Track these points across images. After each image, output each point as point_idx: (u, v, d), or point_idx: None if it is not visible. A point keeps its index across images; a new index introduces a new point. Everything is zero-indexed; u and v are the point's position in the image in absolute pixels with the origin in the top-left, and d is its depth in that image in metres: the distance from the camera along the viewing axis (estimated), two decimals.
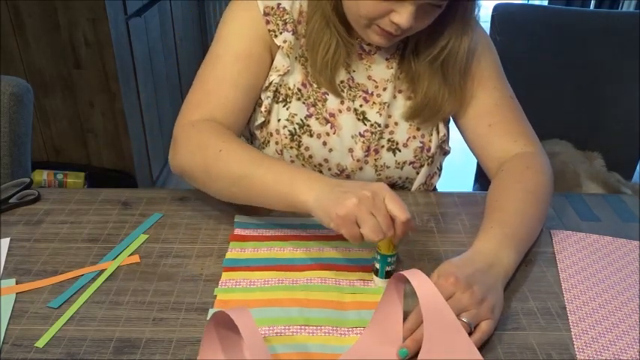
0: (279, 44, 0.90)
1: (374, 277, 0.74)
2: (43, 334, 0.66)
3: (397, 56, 0.94)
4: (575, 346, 0.66)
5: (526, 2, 3.24)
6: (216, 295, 0.72)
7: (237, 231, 0.84)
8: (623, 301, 0.73)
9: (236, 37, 0.90)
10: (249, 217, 0.87)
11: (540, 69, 1.47)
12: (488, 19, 1.46)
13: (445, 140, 0.98)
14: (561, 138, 1.48)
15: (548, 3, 3.27)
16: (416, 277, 0.62)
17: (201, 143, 0.82)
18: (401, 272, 0.63)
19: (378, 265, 0.73)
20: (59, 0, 1.81)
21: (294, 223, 0.86)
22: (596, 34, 1.43)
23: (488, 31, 1.48)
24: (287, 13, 0.90)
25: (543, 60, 1.47)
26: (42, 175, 2.03)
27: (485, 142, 0.94)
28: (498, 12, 1.45)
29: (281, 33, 0.90)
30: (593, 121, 1.49)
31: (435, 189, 1.08)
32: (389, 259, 0.72)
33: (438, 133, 0.96)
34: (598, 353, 0.65)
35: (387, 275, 0.73)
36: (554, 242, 0.84)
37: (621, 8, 3.27)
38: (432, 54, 0.89)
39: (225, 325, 0.59)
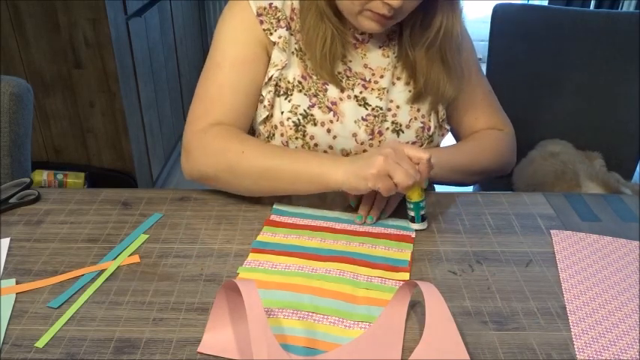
0: (274, 41, 0.93)
1: (411, 223, 0.85)
2: (43, 334, 0.66)
3: (393, 46, 0.97)
4: (575, 346, 0.66)
5: (526, 2, 3.24)
6: (238, 273, 0.75)
7: (273, 217, 0.88)
8: (623, 302, 0.73)
9: (232, 43, 0.94)
10: (288, 206, 0.90)
11: (540, 69, 1.48)
12: (489, 19, 1.46)
13: (444, 120, 1.01)
14: (561, 138, 1.48)
15: (548, 3, 3.27)
16: (428, 289, 0.65)
17: (220, 147, 0.88)
18: (415, 281, 0.66)
19: (413, 213, 0.84)
20: (59, 0, 1.81)
21: (329, 216, 0.88)
22: (596, 34, 1.43)
23: (488, 31, 1.48)
24: (279, 11, 0.94)
25: (543, 60, 1.47)
26: (42, 175, 2.03)
27: (469, 130, 1.06)
28: (498, 12, 1.45)
29: (276, 30, 0.93)
30: (593, 121, 1.49)
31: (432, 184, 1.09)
32: (421, 204, 0.84)
33: (437, 113, 0.99)
34: (598, 353, 0.65)
35: (423, 219, 0.85)
36: (554, 242, 0.84)
37: (621, 8, 3.27)
38: (429, 39, 0.91)
39: (236, 293, 0.63)
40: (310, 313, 0.69)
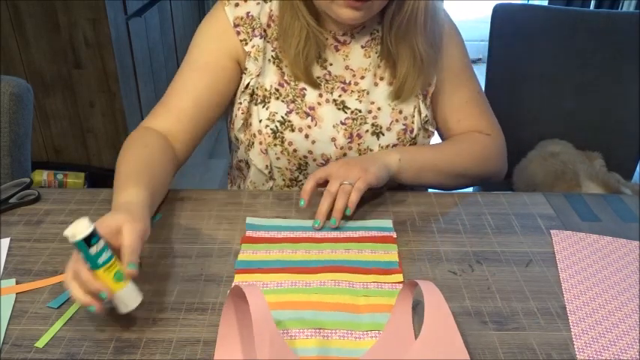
0: (248, 51, 0.94)
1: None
2: (43, 334, 0.66)
3: (375, 45, 0.96)
4: (575, 346, 0.66)
5: (526, 2, 3.24)
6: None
7: (249, 233, 0.84)
8: (623, 302, 0.73)
9: (199, 50, 0.96)
10: (261, 219, 0.87)
11: (540, 69, 1.47)
12: (488, 19, 1.46)
13: (428, 121, 0.99)
14: (561, 138, 1.48)
15: (548, 3, 3.27)
16: (427, 287, 0.64)
17: (120, 152, 0.89)
18: (415, 280, 0.65)
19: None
20: (59, 0, 1.81)
21: (306, 225, 0.85)
22: (596, 34, 1.43)
23: (488, 31, 1.48)
24: (255, 20, 0.94)
25: (543, 60, 1.47)
26: (42, 175, 2.03)
27: (451, 132, 1.04)
28: (498, 12, 1.45)
29: (251, 39, 0.94)
30: (593, 121, 1.49)
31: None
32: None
33: (420, 114, 0.98)
34: (598, 353, 0.65)
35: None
36: (554, 242, 0.84)
37: (621, 8, 3.27)
38: (398, 21, 0.90)
39: (243, 299, 0.61)
40: (318, 330, 0.66)
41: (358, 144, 0.96)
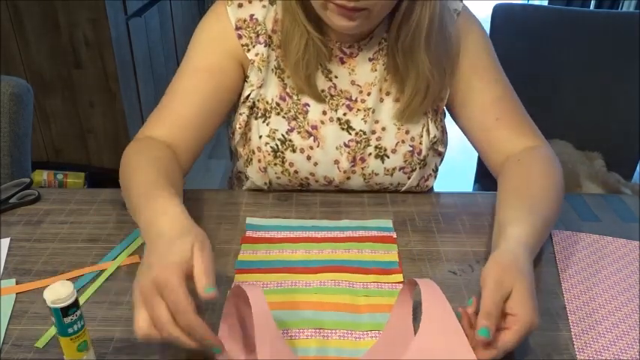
0: (251, 59, 0.88)
1: None
2: (43, 334, 0.66)
3: (381, 56, 0.89)
4: (575, 346, 0.66)
5: (526, 2, 3.24)
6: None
7: (249, 233, 0.84)
8: (623, 302, 0.73)
9: (199, 51, 0.89)
10: (261, 219, 0.86)
11: (540, 69, 1.48)
12: (489, 19, 1.46)
13: (437, 141, 0.93)
14: (561, 138, 1.48)
15: (548, 3, 3.27)
16: (425, 284, 0.64)
17: (123, 163, 0.84)
18: (414, 279, 0.65)
19: None
20: (59, 0, 1.82)
21: (307, 225, 0.85)
22: (596, 34, 1.43)
23: (488, 31, 1.48)
24: (259, 25, 0.88)
25: (543, 60, 1.47)
26: (42, 175, 2.03)
27: (492, 135, 0.91)
28: (498, 12, 1.45)
29: (254, 46, 0.88)
30: (593, 121, 1.49)
31: (431, 190, 1.06)
32: None
33: (428, 134, 0.91)
34: (598, 353, 0.65)
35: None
36: (554, 242, 0.84)
37: (621, 8, 3.27)
38: (403, 34, 0.83)
39: (243, 299, 0.62)
40: (318, 330, 0.66)
41: (362, 168, 0.92)
